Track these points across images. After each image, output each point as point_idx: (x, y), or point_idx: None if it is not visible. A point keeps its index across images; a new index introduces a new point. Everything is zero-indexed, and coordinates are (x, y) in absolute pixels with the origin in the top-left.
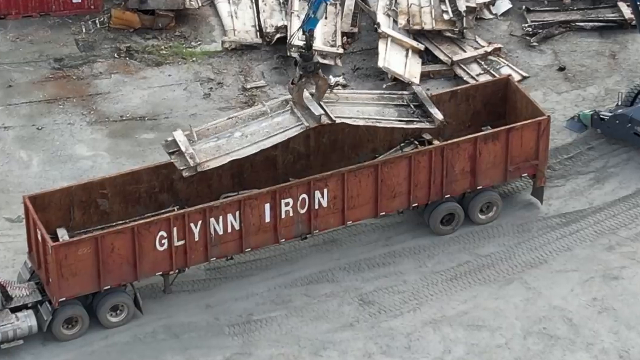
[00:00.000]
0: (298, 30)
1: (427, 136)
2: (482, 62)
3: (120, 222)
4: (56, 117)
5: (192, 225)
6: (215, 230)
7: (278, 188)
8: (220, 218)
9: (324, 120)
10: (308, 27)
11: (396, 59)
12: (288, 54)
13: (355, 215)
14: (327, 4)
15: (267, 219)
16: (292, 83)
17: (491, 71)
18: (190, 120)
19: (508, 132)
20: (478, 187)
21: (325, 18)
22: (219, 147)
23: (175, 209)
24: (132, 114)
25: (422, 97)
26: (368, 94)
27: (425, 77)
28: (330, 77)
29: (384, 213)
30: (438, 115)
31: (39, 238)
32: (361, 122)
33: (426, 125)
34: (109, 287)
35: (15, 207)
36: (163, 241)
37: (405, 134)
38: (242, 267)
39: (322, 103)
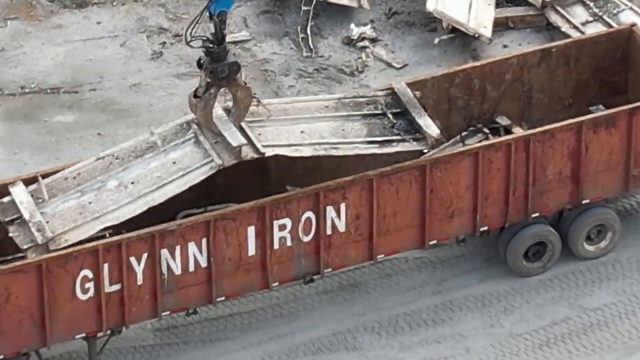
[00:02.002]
0: (201, 13)
1: (503, 121)
2: (592, 4)
3: (20, 254)
4: None
5: (132, 260)
6: (169, 268)
7: (268, 202)
8: (177, 249)
9: (247, 153)
10: (219, 7)
11: None
12: (186, 42)
13: (390, 246)
14: None
15: (252, 251)
16: (196, 96)
17: (605, 17)
18: (131, 93)
19: (631, 114)
20: (584, 202)
21: None
22: (84, 208)
23: (107, 235)
24: (39, 83)
25: (407, 101)
26: (319, 100)
27: (501, 26)
28: (352, 26)
29: (434, 242)
30: (432, 129)
31: None
32: (308, 152)
33: (413, 146)
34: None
35: None
36: (87, 285)
37: (469, 117)
38: (211, 327)
39: (244, 124)
